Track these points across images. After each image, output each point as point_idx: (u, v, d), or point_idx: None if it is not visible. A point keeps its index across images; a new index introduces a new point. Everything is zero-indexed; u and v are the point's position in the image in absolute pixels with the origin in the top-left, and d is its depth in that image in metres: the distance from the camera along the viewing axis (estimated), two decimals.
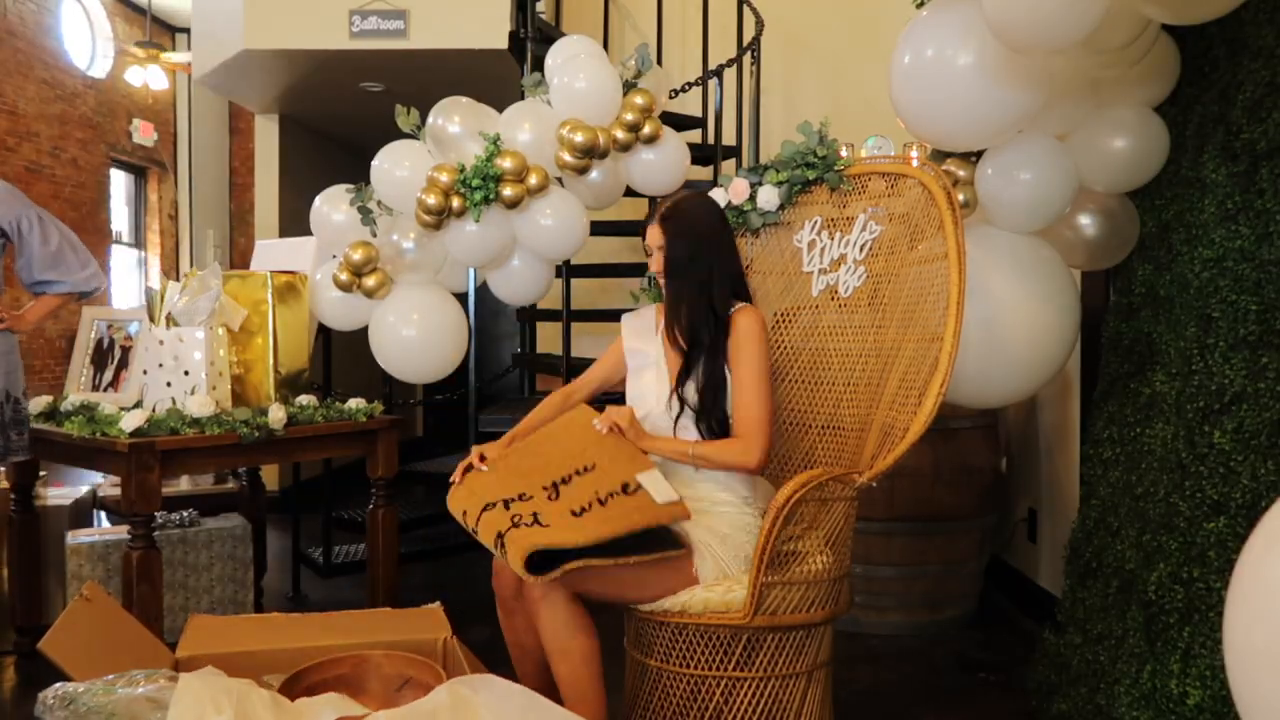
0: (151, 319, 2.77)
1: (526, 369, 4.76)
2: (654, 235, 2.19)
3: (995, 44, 2.02)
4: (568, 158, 2.77)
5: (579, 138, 2.74)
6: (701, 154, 4.12)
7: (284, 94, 5.31)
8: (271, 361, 2.94)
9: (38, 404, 3.02)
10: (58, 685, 1.75)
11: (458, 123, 2.79)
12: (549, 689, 2.07)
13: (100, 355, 3.12)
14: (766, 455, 2.07)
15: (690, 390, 2.11)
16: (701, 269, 2.14)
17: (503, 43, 4.19)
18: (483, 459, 2.11)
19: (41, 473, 3.22)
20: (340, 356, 3.80)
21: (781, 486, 1.96)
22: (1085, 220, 2.51)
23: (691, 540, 2.03)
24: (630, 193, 3.12)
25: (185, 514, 3.39)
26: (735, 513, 2.09)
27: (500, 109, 2.90)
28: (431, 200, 2.71)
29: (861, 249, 2.33)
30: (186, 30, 8.08)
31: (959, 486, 3.29)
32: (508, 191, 2.72)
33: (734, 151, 4.38)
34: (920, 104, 2.28)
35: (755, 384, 2.08)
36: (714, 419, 2.10)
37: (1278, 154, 1.95)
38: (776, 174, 2.44)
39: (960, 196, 2.36)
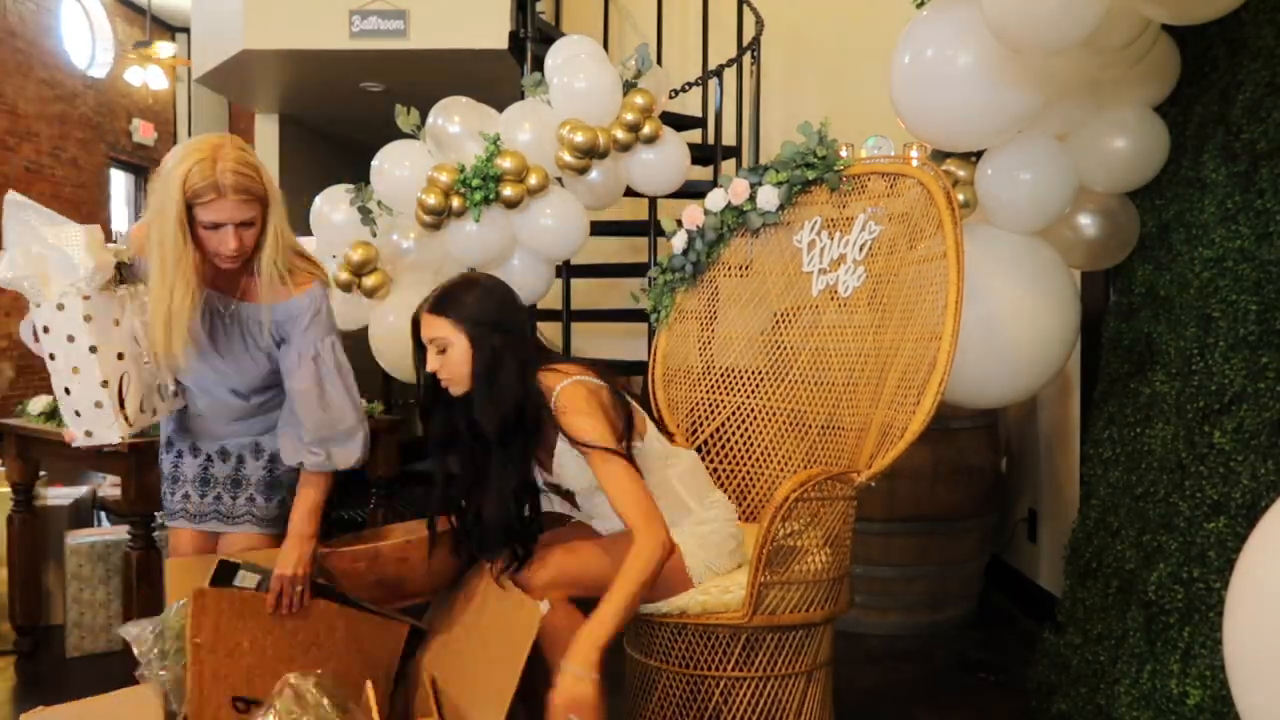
0: None
1: None
2: (435, 327, 1.90)
3: (995, 44, 2.02)
4: (568, 158, 2.77)
5: (579, 138, 2.74)
6: (701, 154, 4.11)
7: (284, 94, 5.31)
8: None
9: (38, 404, 3.02)
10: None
11: (458, 123, 2.79)
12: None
13: None
14: (667, 532, 1.84)
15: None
16: (511, 358, 1.90)
17: (503, 43, 4.19)
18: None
19: (41, 473, 3.21)
20: None
21: (780, 486, 1.97)
22: (1085, 220, 2.51)
23: (680, 549, 2.00)
24: (630, 193, 3.12)
25: None
26: (700, 516, 2.06)
27: (500, 109, 2.90)
28: (431, 200, 2.71)
29: (861, 249, 2.33)
30: (186, 30, 8.09)
31: (959, 486, 3.29)
32: (508, 191, 2.71)
33: (734, 151, 4.38)
34: (920, 104, 2.28)
35: (611, 460, 1.84)
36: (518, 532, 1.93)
37: (1278, 154, 1.95)
38: (776, 174, 2.44)
39: (960, 196, 2.36)
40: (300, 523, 2.03)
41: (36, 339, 1.91)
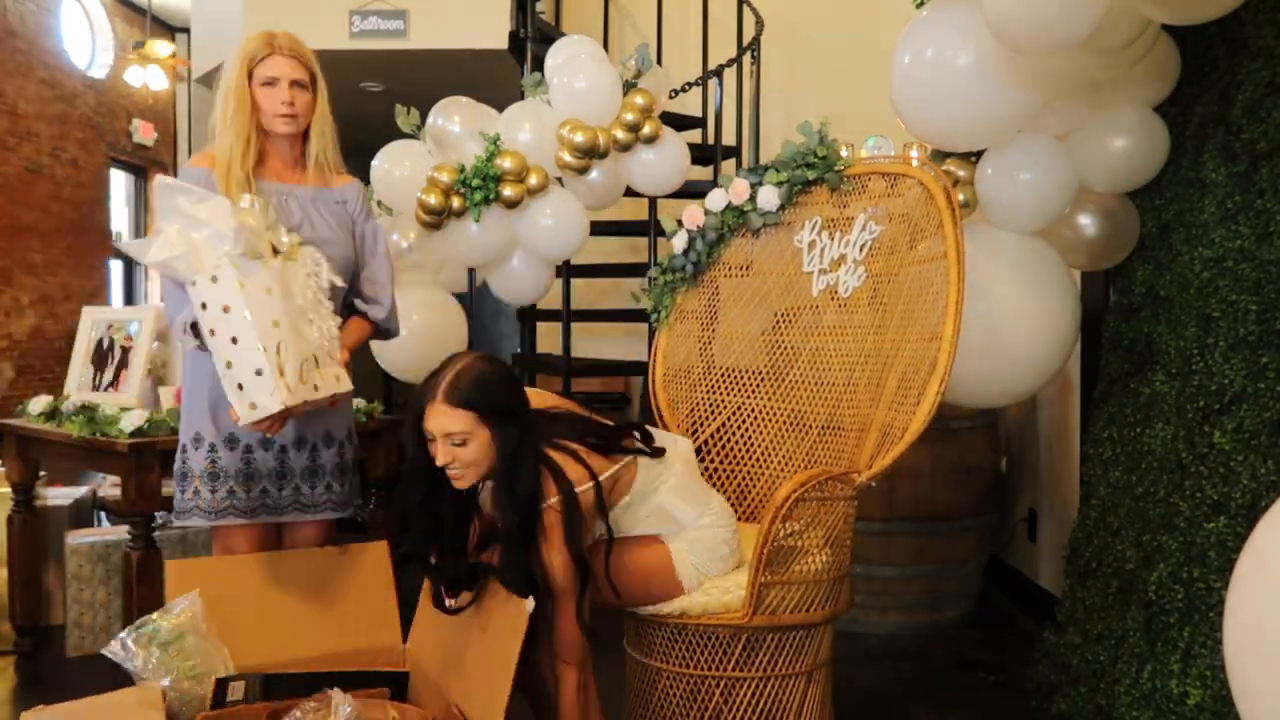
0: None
1: (526, 369, 4.77)
2: (453, 420, 1.77)
3: (995, 44, 2.02)
4: (568, 158, 2.77)
5: (579, 138, 2.74)
6: (701, 154, 4.12)
7: None
8: None
9: (38, 404, 3.02)
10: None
11: (458, 123, 2.79)
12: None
13: (100, 355, 3.12)
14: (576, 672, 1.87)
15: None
16: (529, 452, 1.82)
17: (503, 43, 4.20)
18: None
19: (41, 473, 3.21)
20: None
21: (780, 486, 1.97)
22: (1085, 220, 2.51)
23: (671, 552, 2.00)
24: (630, 193, 3.13)
25: None
26: (696, 522, 2.04)
27: (500, 109, 2.90)
28: (431, 200, 2.72)
29: (861, 249, 2.33)
30: (186, 30, 8.09)
31: (959, 486, 3.29)
32: (508, 191, 2.72)
33: (734, 151, 4.38)
34: (920, 104, 2.28)
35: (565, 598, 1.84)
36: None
37: (1278, 154, 1.95)
38: (777, 174, 2.44)
39: (960, 196, 2.36)
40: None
41: (188, 332, 1.95)
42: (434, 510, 1.90)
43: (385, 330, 2.30)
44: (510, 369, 1.95)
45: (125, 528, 2.89)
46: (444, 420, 1.77)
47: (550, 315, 4.40)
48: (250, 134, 2.10)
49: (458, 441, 1.78)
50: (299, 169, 2.19)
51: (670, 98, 3.55)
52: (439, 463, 1.80)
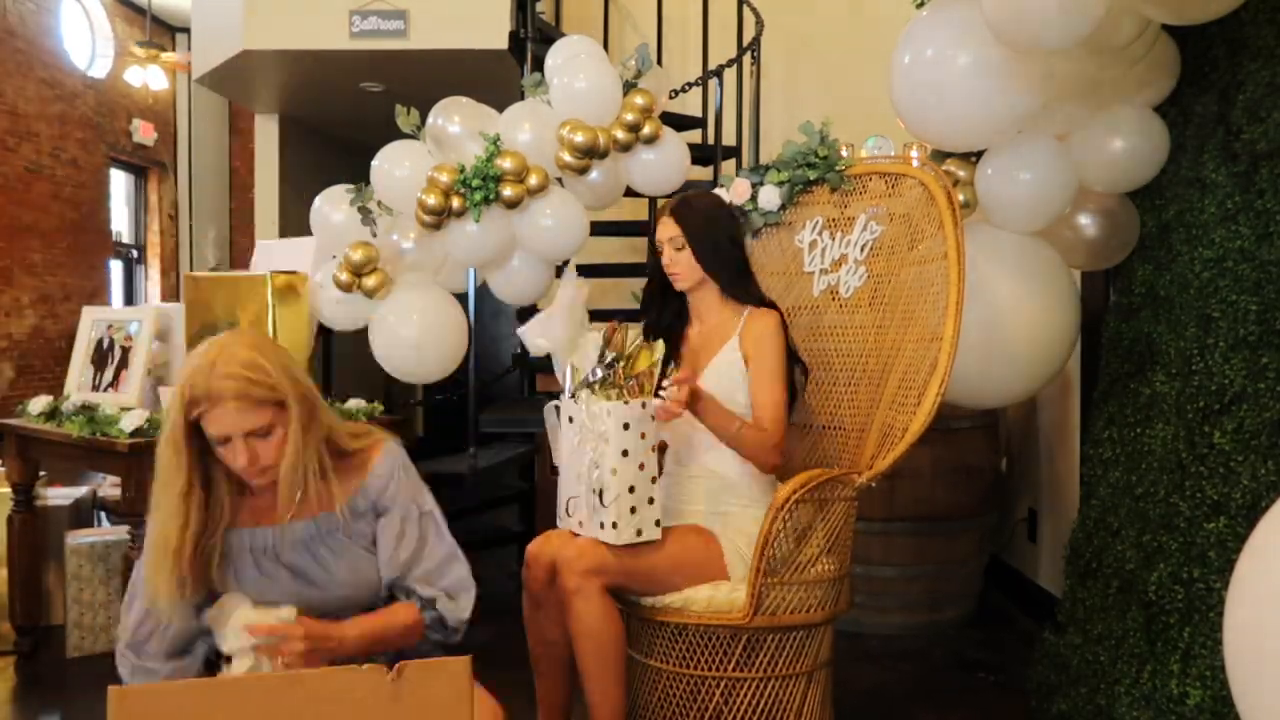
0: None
1: (526, 369, 4.77)
2: (668, 228, 2.18)
3: (995, 44, 2.02)
4: (568, 158, 2.77)
5: (579, 138, 2.74)
6: (701, 154, 4.11)
7: (284, 94, 5.31)
8: None
9: (38, 404, 3.02)
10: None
11: (458, 123, 2.78)
12: (569, 690, 2.07)
13: (100, 355, 3.12)
14: (778, 457, 2.09)
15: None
16: (731, 256, 2.20)
17: (503, 43, 4.19)
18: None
19: (41, 473, 3.21)
20: (340, 356, 3.80)
21: (781, 486, 1.97)
22: (1085, 220, 2.51)
23: (721, 542, 2.05)
24: (630, 193, 3.12)
25: None
26: (756, 513, 2.09)
27: (500, 109, 2.89)
28: (431, 200, 2.71)
29: (862, 249, 2.33)
30: (186, 30, 8.09)
31: (959, 486, 3.29)
32: (508, 192, 2.71)
33: (734, 151, 4.38)
34: (920, 104, 2.28)
35: (777, 380, 2.10)
36: None
37: (1278, 154, 1.96)
38: (778, 174, 2.44)
39: (960, 196, 2.36)
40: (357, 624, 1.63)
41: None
42: (662, 303, 2.29)
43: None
44: (724, 204, 2.33)
45: (125, 528, 2.89)
46: (663, 228, 2.19)
47: None
48: (189, 515, 1.56)
49: (678, 246, 2.17)
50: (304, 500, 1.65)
51: (670, 98, 3.54)
52: (663, 262, 2.20)
